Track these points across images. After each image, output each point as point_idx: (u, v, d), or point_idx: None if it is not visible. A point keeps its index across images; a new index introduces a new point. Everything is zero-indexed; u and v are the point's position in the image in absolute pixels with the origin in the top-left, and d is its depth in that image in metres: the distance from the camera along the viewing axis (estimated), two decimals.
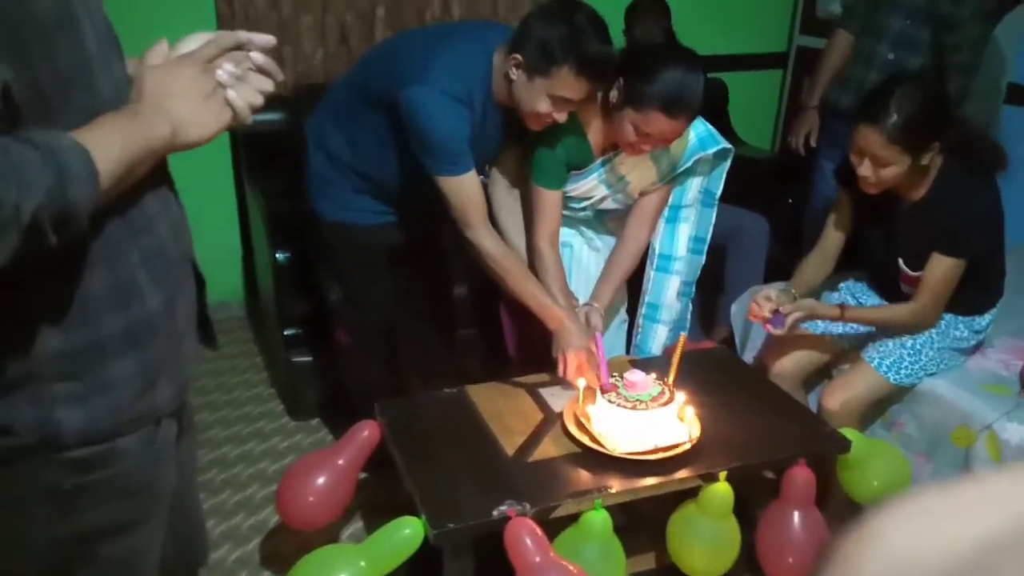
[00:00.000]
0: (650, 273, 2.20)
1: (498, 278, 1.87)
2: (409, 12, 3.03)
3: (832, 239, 2.14)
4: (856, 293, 2.24)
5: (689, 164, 2.00)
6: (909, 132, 1.77)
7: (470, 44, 1.79)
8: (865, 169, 1.85)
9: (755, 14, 3.72)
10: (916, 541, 0.32)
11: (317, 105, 2.05)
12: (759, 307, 1.99)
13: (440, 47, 1.76)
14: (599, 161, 1.98)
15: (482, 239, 1.82)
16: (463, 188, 1.78)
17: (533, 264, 1.98)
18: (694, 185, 2.14)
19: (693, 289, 2.26)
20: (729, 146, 2.04)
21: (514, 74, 1.73)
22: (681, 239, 2.17)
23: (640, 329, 2.25)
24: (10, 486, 0.87)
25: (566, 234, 2.11)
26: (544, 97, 1.72)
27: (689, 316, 2.28)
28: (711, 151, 2.01)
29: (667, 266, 2.19)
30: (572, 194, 2.03)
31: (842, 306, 2.02)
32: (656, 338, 2.24)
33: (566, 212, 2.06)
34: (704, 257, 2.20)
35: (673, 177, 2.04)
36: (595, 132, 1.95)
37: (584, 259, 2.18)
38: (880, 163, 1.82)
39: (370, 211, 1.98)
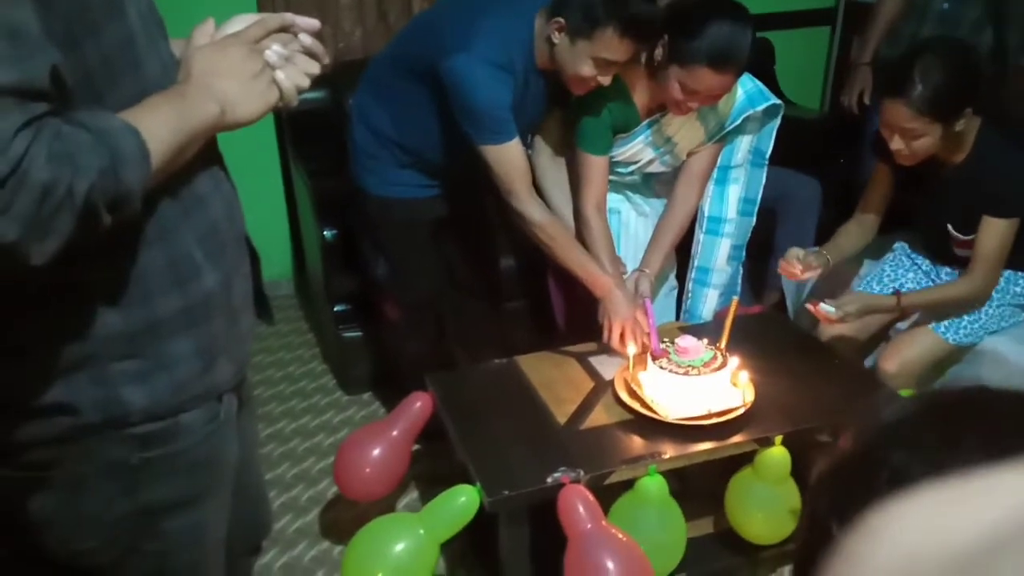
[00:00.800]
0: (699, 236, 2.17)
1: (544, 247, 1.86)
2: None
3: (871, 209, 2.08)
4: (910, 255, 2.18)
5: (738, 122, 1.96)
6: (936, 102, 1.72)
7: (510, 10, 1.77)
8: (897, 143, 1.80)
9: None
10: (922, 533, 0.32)
11: (358, 81, 2.05)
12: (790, 264, 1.95)
13: (480, 15, 1.75)
14: (645, 123, 1.95)
15: (527, 207, 1.82)
16: (508, 156, 1.78)
17: (580, 232, 1.97)
18: (743, 144, 2.09)
19: (744, 253, 2.23)
20: (779, 102, 2.00)
21: (556, 38, 1.71)
22: (731, 200, 2.14)
23: (690, 294, 2.23)
24: (77, 463, 0.89)
25: (613, 200, 2.09)
26: (588, 60, 1.69)
27: (740, 280, 2.25)
28: (760, 107, 1.96)
29: (717, 229, 2.16)
30: (619, 158, 2.00)
31: (897, 293, 1.97)
32: (707, 302, 2.21)
33: (613, 177, 2.04)
34: (754, 219, 2.16)
35: (722, 136, 2.00)
36: (640, 94, 1.92)
37: (632, 225, 2.16)
38: (911, 136, 1.77)
39: (414, 184, 1.99)
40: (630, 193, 2.15)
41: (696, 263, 2.20)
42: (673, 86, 1.77)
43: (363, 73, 2.04)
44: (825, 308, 1.89)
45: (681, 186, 2.06)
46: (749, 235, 2.19)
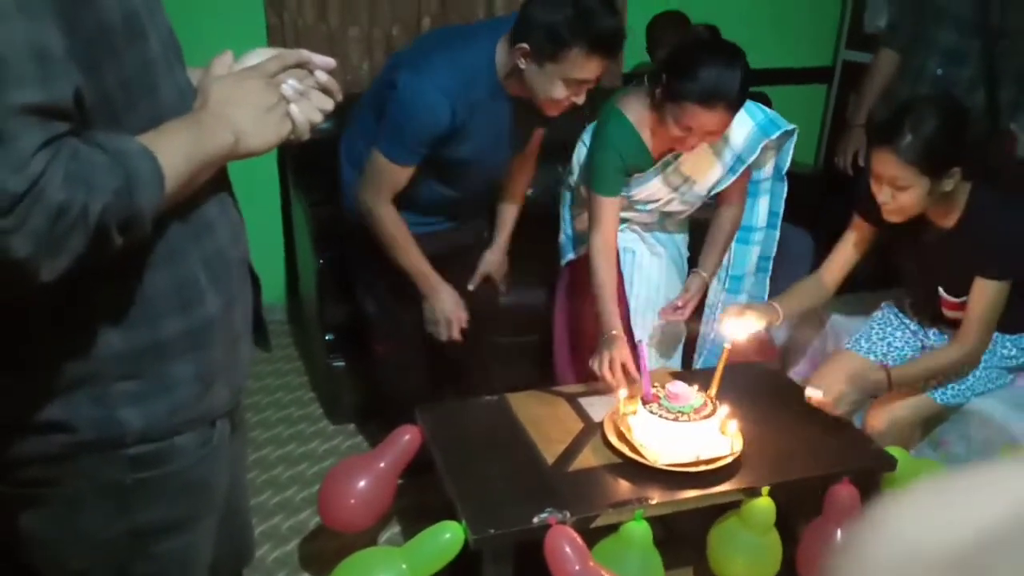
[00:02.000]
0: (731, 246, 2.23)
1: (383, 240, 1.94)
2: (454, 22, 3.06)
3: (834, 267, 2.08)
4: (898, 315, 2.20)
5: (757, 154, 2.00)
6: (925, 153, 1.74)
7: (471, 40, 1.81)
8: (884, 195, 1.81)
9: (801, 28, 3.70)
10: (924, 528, 0.32)
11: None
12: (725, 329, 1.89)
13: (443, 43, 1.80)
14: (659, 164, 1.99)
15: (380, 206, 1.89)
16: (393, 174, 1.84)
17: (589, 271, 2.00)
18: (767, 164, 2.16)
19: (771, 265, 2.28)
20: (793, 127, 2.03)
21: (523, 64, 1.72)
22: (761, 211, 2.20)
23: (722, 305, 2.26)
24: (72, 481, 0.89)
25: (628, 239, 2.14)
26: (558, 82, 1.71)
27: (767, 292, 2.29)
28: (774, 136, 2.00)
29: (748, 238, 2.23)
30: (637, 197, 2.04)
31: (885, 368, 1.96)
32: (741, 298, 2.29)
33: (631, 214, 2.08)
34: (778, 232, 2.23)
35: (744, 167, 2.03)
36: (651, 136, 1.96)
37: (646, 265, 2.19)
38: (897, 186, 1.78)
39: (407, 222, 2.00)
40: (644, 233, 2.18)
41: (728, 272, 2.26)
42: (670, 124, 1.81)
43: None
44: (812, 392, 1.88)
45: (722, 206, 2.14)
46: (774, 249, 2.25)
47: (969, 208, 1.87)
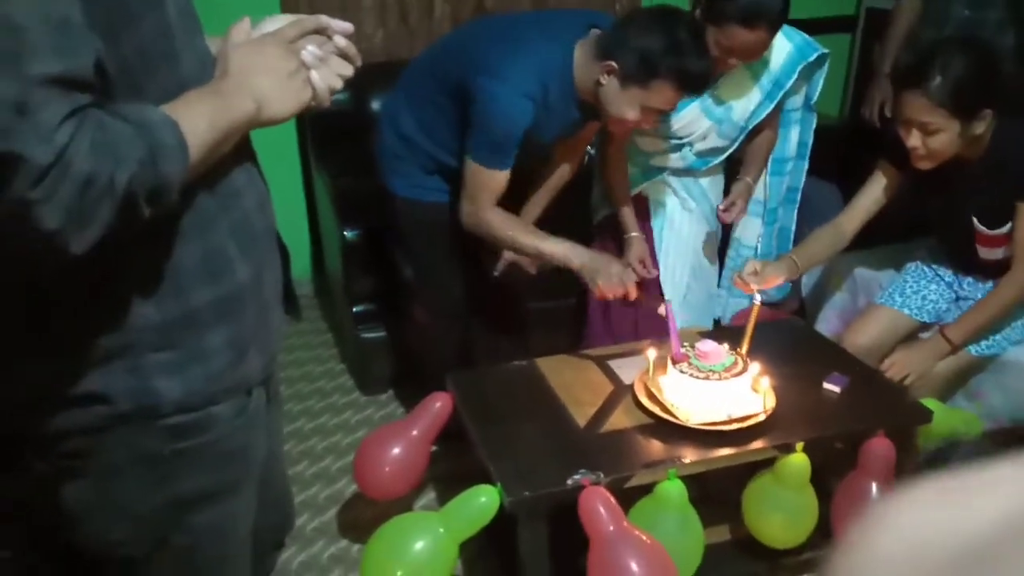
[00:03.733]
0: (766, 179, 2.27)
1: (503, 243, 1.92)
2: None
3: (853, 214, 2.04)
4: (931, 266, 2.16)
5: (795, 78, 2.01)
6: (955, 94, 1.69)
7: (546, 36, 1.79)
8: (914, 139, 1.76)
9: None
10: (928, 525, 0.32)
11: (382, 84, 2.07)
12: (743, 282, 1.87)
13: (521, 42, 1.77)
14: None
15: (485, 213, 1.84)
16: (490, 180, 1.81)
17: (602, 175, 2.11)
18: (799, 94, 2.18)
19: (798, 196, 2.31)
20: (826, 51, 2.04)
21: (605, 80, 1.73)
22: (792, 142, 2.23)
23: (762, 236, 2.33)
24: (111, 453, 0.90)
25: (659, 192, 2.15)
26: (636, 106, 1.73)
27: (794, 223, 2.34)
28: (812, 57, 2.02)
29: (780, 169, 2.27)
30: (676, 127, 2.02)
31: (941, 329, 1.94)
32: (774, 239, 2.35)
33: (666, 158, 2.10)
34: (807, 163, 2.27)
35: (781, 97, 2.05)
36: None
37: (677, 222, 2.19)
38: (927, 130, 1.74)
39: (440, 190, 2.00)
40: (677, 185, 2.17)
41: (766, 206, 2.30)
42: (711, 46, 1.80)
43: (386, 75, 2.06)
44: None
45: (756, 134, 2.15)
46: (803, 180, 2.28)
47: (995, 136, 1.82)
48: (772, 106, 2.04)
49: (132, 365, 0.86)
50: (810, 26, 3.56)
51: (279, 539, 1.30)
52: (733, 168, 2.24)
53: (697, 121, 2.00)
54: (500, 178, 1.82)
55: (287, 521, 1.30)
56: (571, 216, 2.35)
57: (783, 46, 1.99)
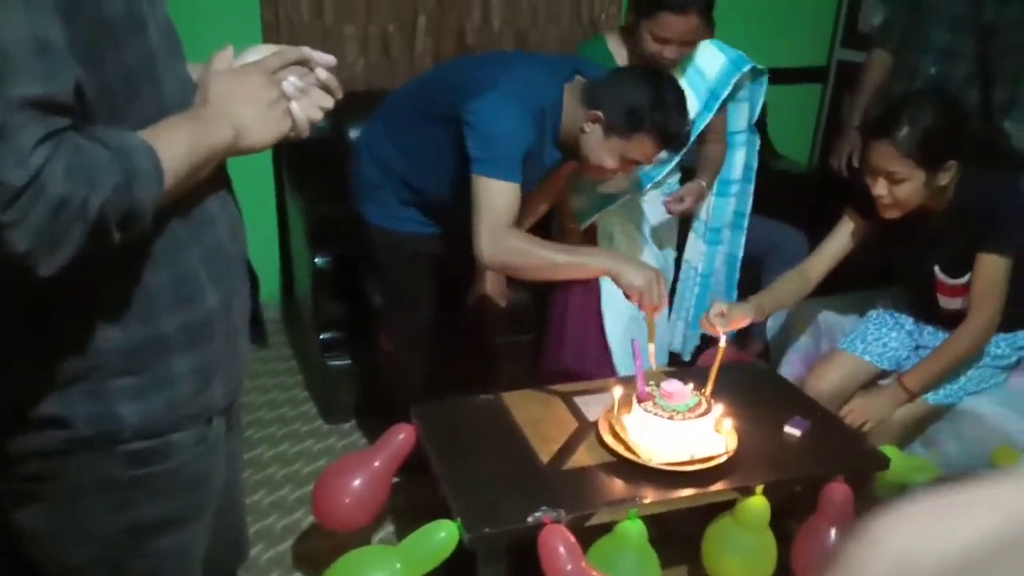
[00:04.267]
0: (711, 200, 2.34)
1: (533, 268, 1.73)
2: (451, 21, 3.06)
3: (819, 260, 2.08)
4: (893, 314, 2.21)
5: (730, 88, 2.09)
6: (921, 145, 1.74)
7: (540, 70, 1.81)
8: (881, 188, 1.81)
9: (795, 27, 3.70)
10: (915, 543, 0.32)
11: (361, 113, 2.08)
12: (710, 324, 1.87)
13: (514, 67, 1.80)
14: None
15: (509, 240, 1.70)
16: (505, 194, 1.69)
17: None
18: (742, 112, 2.27)
19: (745, 222, 2.38)
20: (762, 66, 2.13)
21: (589, 128, 1.77)
22: (737, 164, 2.31)
23: (704, 256, 2.40)
24: (69, 477, 0.89)
25: (606, 225, 2.21)
26: (616, 156, 1.78)
27: (742, 248, 2.42)
28: (746, 69, 2.10)
29: (725, 190, 2.35)
30: None
31: (899, 378, 1.98)
32: (717, 260, 2.42)
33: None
34: (753, 187, 2.34)
35: (720, 107, 2.12)
36: (622, 55, 2.10)
37: (623, 250, 2.25)
38: (894, 179, 1.79)
39: (414, 220, 2.01)
40: (623, 217, 2.23)
41: (708, 225, 2.35)
42: (645, 39, 1.95)
43: (366, 105, 2.07)
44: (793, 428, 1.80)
45: (704, 144, 2.23)
46: (749, 205, 2.35)
47: (961, 189, 1.87)
48: (710, 116, 2.11)
49: (94, 389, 0.85)
50: (782, 75, 3.69)
51: (232, 569, 1.27)
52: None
53: None
54: (513, 192, 1.69)
55: (240, 551, 1.27)
56: None
57: (717, 58, 2.09)
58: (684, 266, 2.42)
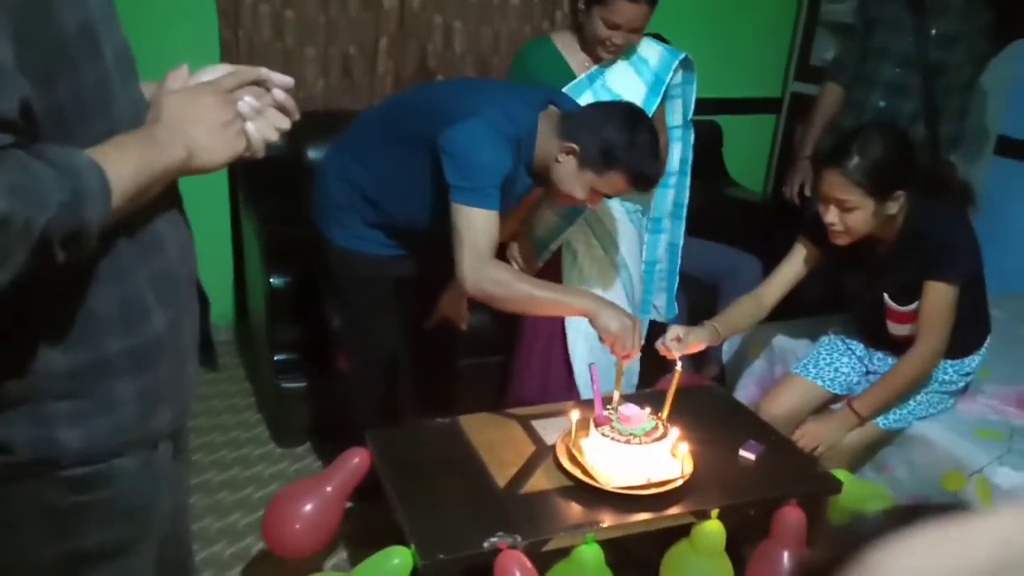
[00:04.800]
0: (645, 238, 2.41)
1: (514, 301, 1.73)
2: (412, 45, 3.07)
3: (774, 285, 2.11)
4: (844, 340, 2.25)
5: (670, 75, 2.18)
6: (871, 174, 1.80)
7: (519, 98, 1.85)
8: (832, 216, 1.86)
9: (751, 60, 3.80)
10: (921, 571, 0.33)
11: (319, 133, 2.07)
12: (667, 349, 1.88)
13: (492, 95, 1.82)
14: (585, 77, 2.16)
15: (492, 270, 1.71)
16: (484, 222, 1.70)
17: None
18: (676, 113, 2.34)
19: (684, 212, 2.42)
20: (690, 57, 2.23)
21: (563, 159, 1.79)
22: (675, 157, 2.37)
23: (645, 247, 2.44)
24: (9, 504, 0.86)
25: (572, 242, 2.24)
26: (587, 189, 1.82)
27: (677, 279, 2.48)
28: (681, 57, 2.20)
29: (665, 181, 2.35)
30: None
31: (849, 402, 2.01)
32: (660, 245, 2.46)
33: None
34: (689, 179, 2.39)
35: (660, 100, 2.20)
36: (572, 53, 2.17)
37: (586, 269, 2.26)
38: (845, 207, 1.83)
39: (379, 243, 1.99)
40: (588, 235, 2.25)
41: (650, 215, 2.40)
42: (596, 25, 2.05)
43: (324, 126, 2.06)
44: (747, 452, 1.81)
45: None
46: (687, 197, 2.40)
47: (911, 217, 1.92)
48: (657, 101, 2.17)
49: (34, 413, 0.82)
50: (738, 105, 3.78)
51: None
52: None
53: None
54: (492, 219, 1.70)
55: None
56: None
57: (655, 48, 2.20)
58: (628, 253, 2.45)
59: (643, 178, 1.81)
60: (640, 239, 2.37)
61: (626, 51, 2.16)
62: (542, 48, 2.19)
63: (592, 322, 1.73)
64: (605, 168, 1.77)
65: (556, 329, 2.32)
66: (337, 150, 2.03)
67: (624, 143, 1.75)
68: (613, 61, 2.17)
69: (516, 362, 2.40)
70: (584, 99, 2.10)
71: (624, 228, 2.30)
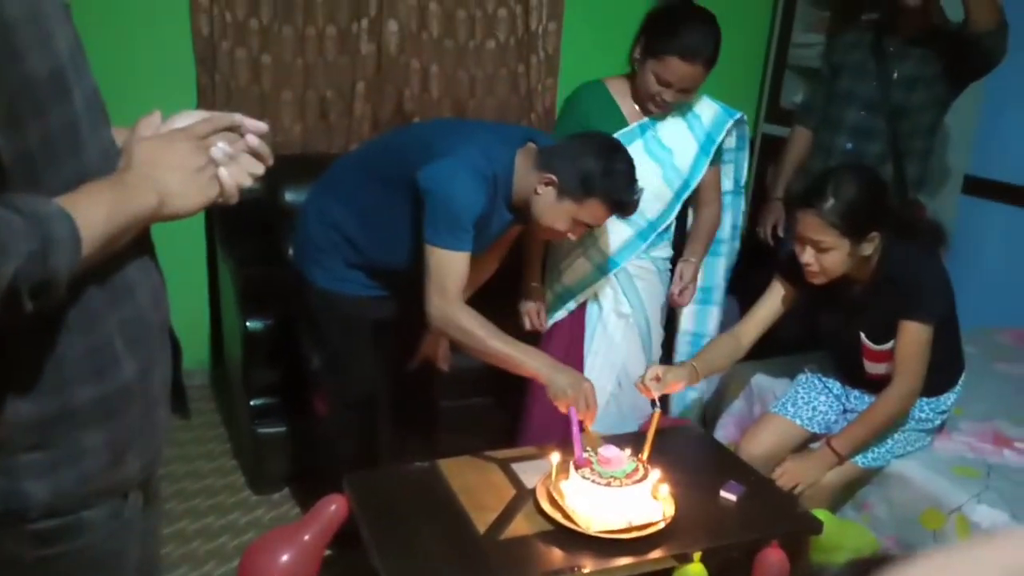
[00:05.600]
0: (694, 307, 2.40)
1: (472, 344, 1.81)
2: (389, 89, 3.10)
3: (750, 325, 2.12)
4: (821, 378, 2.26)
5: (722, 135, 2.17)
6: (845, 215, 1.83)
7: (496, 136, 1.87)
8: (808, 256, 1.89)
9: (722, 102, 3.86)
10: None
11: (296, 176, 2.08)
12: (645, 388, 1.90)
13: (471, 135, 1.84)
14: (637, 126, 2.13)
15: (455, 311, 1.79)
16: (454, 264, 1.77)
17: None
18: (728, 178, 2.34)
19: (728, 276, 2.45)
20: (744, 116, 2.24)
21: (542, 190, 1.81)
22: (726, 224, 2.36)
23: (696, 314, 2.43)
24: None
25: (597, 295, 2.22)
26: (568, 219, 1.82)
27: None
28: (736, 117, 2.20)
29: (716, 249, 2.37)
30: None
31: (828, 441, 2.02)
32: (711, 318, 2.44)
33: (618, 237, 2.19)
34: (739, 244, 2.44)
35: (714, 160, 2.19)
36: (624, 99, 2.14)
37: (611, 326, 2.24)
38: (820, 248, 1.86)
39: (360, 283, 1.99)
40: (615, 288, 2.24)
41: (699, 285, 2.37)
42: (648, 79, 2.02)
43: (301, 169, 2.07)
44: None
45: (700, 207, 2.27)
46: (734, 260, 2.42)
47: (886, 257, 1.94)
48: (707, 160, 2.16)
49: (1, 465, 0.80)
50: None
51: None
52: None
53: (640, 161, 2.00)
54: (462, 261, 1.78)
55: None
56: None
57: (711, 105, 2.19)
58: (684, 337, 2.44)
59: (621, 205, 1.82)
60: (663, 296, 2.34)
61: (681, 105, 2.14)
62: (595, 92, 2.16)
63: (547, 387, 1.78)
64: (583, 196, 1.78)
65: (573, 358, 2.29)
66: (318, 192, 2.03)
67: (601, 171, 1.77)
68: (666, 114, 2.15)
69: (530, 392, 2.35)
70: (634, 148, 2.07)
71: (653, 288, 2.29)
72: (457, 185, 1.73)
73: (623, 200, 1.81)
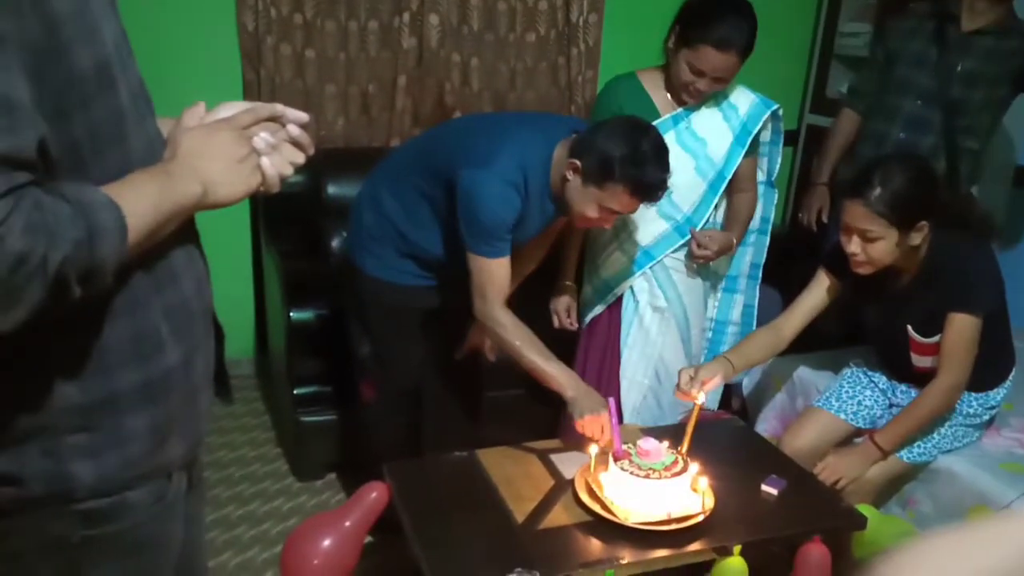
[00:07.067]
0: (719, 294, 2.38)
1: (508, 348, 1.89)
2: (430, 83, 3.12)
3: (793, 317, 2.08)
4: (867, 372, 2.22)
5: (760, 126, 2.14)
6: (893, 205, 1.79)
7: (536, 130, 1.88)
8: (854, 246, 1.85)
9: (766, 93, 3.78)
10: (938, 570, 0.36)
11: (339, 169, 2.10)
12: (685, 394, 1.88)
13: (507, 135, 1.85)
14: (670, 117, 2.11)
15: (494, 311, 1.86)
16: (492, 270, 1.84)
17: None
18: (762, 170, 2.32)
19: (760, 273, 2.42)
20: (780, 108, 2.21)
21: (570, 176, 1.81)
22: (756, 216, 2.35)
23: (719, 303, 2.40)
24: (17, 538, 0.86)
25: (635, 289, 2.21)
26: (594, 205, 1.81)
27: (756, 299, 2.44)
28: (772, 108, 2.17)
29: (744, 240, 2.35)
30: None
31: (871, 436, 1.99)
32: (735, 306, 2.41)
33: (653, 231, 2.18)
34: (768, 238, 2.40)
35: (750, 150, 2.17)
36: (656, 90, 2.12)
37: (647, 320, 2.23)
38: (867, 238, 1.83)
39: (410, 273, 2.02)
40: (652, 282, 2.22)
41: (725, 274, 2.37)
42: (682, 68, 2.00)
43: (344, 162, 2.09)
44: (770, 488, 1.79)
45: (736, 193, 2.25)
46: (764, 256, 2.39)
47: (934, 249, 1.90)
48: (742, 151, 2.13)
49: (48, 447, 0.82)
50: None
51: None
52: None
53: (671, 151, 1.94)
54: (500, 268, 1.84)
55: None
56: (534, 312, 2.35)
57: (748, 96, 2.16)
58: (708, 325, 2.43)
59: (644, 186, 1.78)
60: (706, 293, 2.34)
61: (716, 95, 2.12)
62: (627, 84, 2.15)
63: (568, 406, 1.82)
64: (604, 180, 1.77)
65: (611, 353, 2.30)
66: (373, 181, 2.07)
67: (622, 155, 1.74)
68: (701, 104, 2.13)
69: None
70: (668, 139, 2.03)
71: (692, 282, 2.26)
72: (484, 196, 1.77)
73: (646, 183, 1.77)
